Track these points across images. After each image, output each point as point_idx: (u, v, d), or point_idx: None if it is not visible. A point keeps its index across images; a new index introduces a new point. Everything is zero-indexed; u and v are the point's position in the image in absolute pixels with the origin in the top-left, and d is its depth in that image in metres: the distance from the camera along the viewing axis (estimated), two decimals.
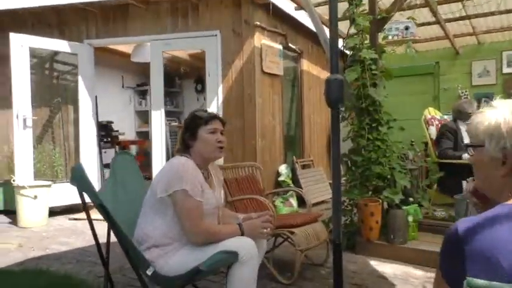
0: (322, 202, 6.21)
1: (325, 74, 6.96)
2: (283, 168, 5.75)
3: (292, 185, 5.70)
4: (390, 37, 3.78)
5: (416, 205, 3.63)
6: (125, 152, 2.50)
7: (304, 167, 6.32)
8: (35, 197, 4.78)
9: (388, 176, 3.68)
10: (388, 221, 3.52)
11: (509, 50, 6.10)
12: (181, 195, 1.96)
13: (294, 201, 5.60)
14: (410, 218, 3.55)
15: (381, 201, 3.57)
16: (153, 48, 5.48)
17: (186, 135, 2.16)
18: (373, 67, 3.65)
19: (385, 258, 3.49)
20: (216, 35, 5.17)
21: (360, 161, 3.66)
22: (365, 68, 3.60)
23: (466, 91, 6.43)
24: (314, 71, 6.63)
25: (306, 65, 6.37)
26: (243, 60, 5.11)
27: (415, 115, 4.99)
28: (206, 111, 2.23)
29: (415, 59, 5.60)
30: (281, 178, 5.67)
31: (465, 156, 4.18)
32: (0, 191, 5.41)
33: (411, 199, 3.72)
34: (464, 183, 3.20)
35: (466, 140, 4.37)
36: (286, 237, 3.09)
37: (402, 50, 5.20)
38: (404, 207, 3.57)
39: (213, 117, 2.18)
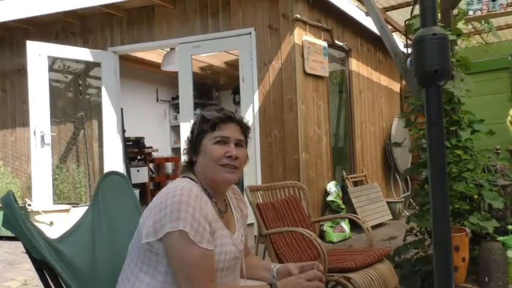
0: (380, 225, 5.29)
1: (378, 76, 6.09)
2: (331, 186, 4.91)
3: (342, 205, 4.85)
4: (471, 12, 2.90)
5: None
6: (114, 172, 1.81)
7: (356, 183, 5.45)
8: (51, 223, 4.27)
9: (475, 196, 2.77)
10: (480, 258, 2.61)
11: None
12: (177, 239, 1.22)
13: (345, 226, 4.75)
14: (510, 253, 2.62)
15: (468, 230, 2.66)
16: (182, 52, 4.90)
17: (189, 146, 1.44)
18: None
19: None
20: (250, 33, 4.51)
21: None
22: None
23: None
24: (365, 72, 5.78)
25: (355, 64, 5.54)
26: (282, 60, 4.39)
27: (490, 117, 4.01)
28: (222, 109, 1.45)
29: (488, 51, 4.63)
30: (330, 198, 4.83)
31: None
32: None
33: (510, 227, 2.78)
34: None
35: None
36: (340, 284, 2.27)
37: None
38: (500, 238, 2.65)
39: (225, 119, 1.40)
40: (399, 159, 6.18)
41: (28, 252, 1.15)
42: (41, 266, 1.14)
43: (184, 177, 1.41)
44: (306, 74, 4.45)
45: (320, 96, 4.77)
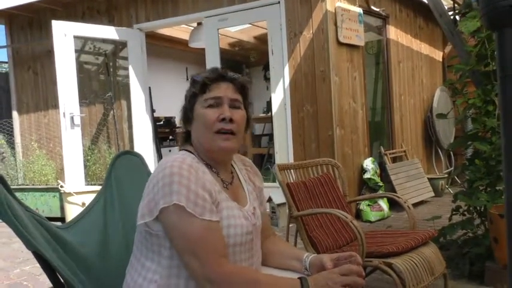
0: (421, 203, 5.00)
1: (418, 44, 5.66)
2: (368, 163, 4.64)
3: (380, 183, 4.58)
4: None
5: None
6: (129, 152, 1.66)
7: (395, 159, 5.15)
8: (83, 204, 4.26)
9: None
10: None
11: None
12: (174, 215, 1.07)
13: (384, 204, 4.50)
14: None
15: None
16: (207, 27, 4.70)
17: (183, 114, 1.27)
18: None
19: None
20: (278, 2, 4.24)
21: (488, 151, 2.47)
22: None
23: None
24: (404, 41, 5.37)
25: (393, 33, 5.15)
26: (313, 30, 4.11)
27: None
28: (214, 69, 1.27)
29: None
30: (367, 175, 4.57)
31: None
32: (57, 197, 5.01)
33: None
34: None
35: None
36: (380, 270, 2.07)
37: None
38: None
39: (214, 78, 1.23)
40: (441, 133, 5.79)
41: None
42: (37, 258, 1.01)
43: (180, 149, 1.26)
44: (339, 43, 4.15)
45: (355, 67, 4.46)
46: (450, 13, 2.86)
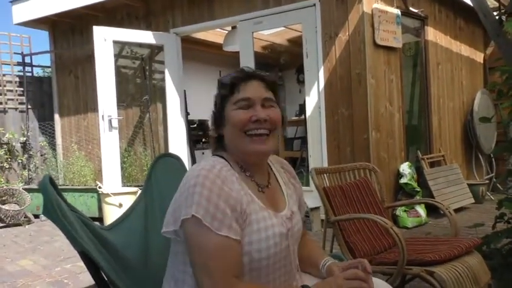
0: (461, 209, 4.82)
1: (458, 46, 5.49)
2: (405, 168, 4.52)
3: (418, 188, 4.46)
4: None
5: None
6: (168, 154, 1.69)
7: (432, 164, 4.99)
8: (120, 205, 4.37)
9: None
10: None
11: None
12: (192, 227, 1.05)
13: (421, 210, 4.37)
14: None
15: None
16: (242, 30, 4.73)
17: (214, 118, 1.23)
18: None
19: None
20: (314, 4, 4.22)
21: None
22: None
23: None
24: (443, 42, 5.21)
25: (432, 34, 5.00)
26: (349, 31, 4.05)
27: None
28: (242, 69, 1.22)
29: None
30: (403, 180, 4.46)
31: None
32: (95, 198, 5.16)
33: None
34: None
35: None
36: (421, 278, 2.00)
37: None
38: None
39: (243, 77, 1.18)
40: (482, 137, 5.58)
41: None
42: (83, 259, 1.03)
43: (214, 155, 1.22)
44: (376, 45, 4.08)
45: (392, 69, 4.36)
46: (495, 13, 2.73)
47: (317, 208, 4.07)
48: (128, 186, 4.91)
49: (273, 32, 6.49)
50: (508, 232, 2.68)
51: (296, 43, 6.55)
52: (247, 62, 4.67)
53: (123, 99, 5.34)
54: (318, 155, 4.34)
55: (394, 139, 4.44)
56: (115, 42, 4.87)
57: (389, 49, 4.27)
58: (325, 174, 2.47)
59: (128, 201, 4.42)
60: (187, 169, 1.65)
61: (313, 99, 4.31)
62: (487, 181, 5.64)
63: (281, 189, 1.29)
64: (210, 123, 1.27)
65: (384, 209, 2.57)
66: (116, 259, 1.18)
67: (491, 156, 5.81)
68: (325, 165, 4.22)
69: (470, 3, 5.18)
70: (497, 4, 4.62)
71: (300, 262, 1.32)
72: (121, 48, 5.50)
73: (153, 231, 1.46)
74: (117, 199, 4.39)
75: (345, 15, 4.05)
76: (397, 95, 4.46)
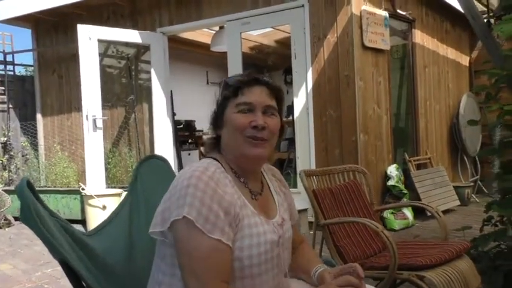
0: (447, 212, 4.84)
1: (444, 49, 5.53)
2: (392, 170, 4.53)
3: (405, 191, 4.47)
4: None
5: None
6: (154, 156, 1.62)
7: (419, 166, 5.02)
8: (104, 207, 4.27)
9: None
10: None
11: None
12: (182, 229, 1.01)
13: (408, 212, 4.38)
14: None
15: None
16: (230, 30, 4.68)
17: (213, 119, 1.21)
18: None
19: None
20: (303, 5, 4.18)
21: None
22: None
23: None
24: (430, 45, 5.24)
25: (419, 37, 5.03)
26: (338, 33, 4.04)
27: None
28: (249, 73, 1.20)
29: None
30: (391, 182, 4.47)
31: None
32: (78, 200, 5.03)
33: None
34: None
35: None
36: (411, 283, 1.97)
37: None
38: None
39: (248, 81, 1.16)
40: (468, 140, 5.63)
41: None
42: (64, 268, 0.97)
43: (206, 156, 1.18)
44: (364, 47, 4.07)
45: (380, 71, 4.37)
46: (483, 16, 2.74)
47: (304, 210, 4.03)
48: (112, 187, 4.80)
49: (260, 33, 6.46)
50: (496, 235, 2.68)
51: (284, 44, 6.52)
52: (235, 62, 4.62)
53: (108, 99, 5.24)
54: (305, 157, 4.31)
55: (381, 141, 4.44)
56: (100, 41, 4.76)
57: (377, 51, 4.27)
58: (314, 177, 2.43)
59: (112, 203, 4.32)
60: (174, 171, 1.61)
61: (301, 100, 4.29)
62: (472, 183, 5.69)
63: (273, 197, 1.26)
64: (208, 123, 1.23)
65: (374, 212, 2.54)
66: (98, 266, 1.12)
67: (476, 158, 5.86)
68: (313, 167, 4.19)
69: (457, 6, 5.24)
70: (485, 8, 4.66)
71: (296, 269, 1.29)
72: (106, 47, 5.39)
73: (138, 235, 1.40)
74: (101, 201, 4.29)
75: (334, 16, 4.03)
76: (384, 97, 4.46)
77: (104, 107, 4.81)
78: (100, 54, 4.90)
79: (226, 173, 1.12)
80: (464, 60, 5.96)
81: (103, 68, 5.18)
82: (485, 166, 5.85)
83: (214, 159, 1.15)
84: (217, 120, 1.18)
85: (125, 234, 1.38)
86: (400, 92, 5.10)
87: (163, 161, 1.63)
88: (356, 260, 2.20)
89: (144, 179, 1.53)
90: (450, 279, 1.90)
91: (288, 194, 1.34)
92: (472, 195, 5.44)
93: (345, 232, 2.30)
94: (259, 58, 7.62)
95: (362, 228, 2.37)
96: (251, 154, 1.13)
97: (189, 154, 6.71)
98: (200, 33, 6.45)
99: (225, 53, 4.80)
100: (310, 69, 4.19)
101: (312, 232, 2.50)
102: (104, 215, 4.26)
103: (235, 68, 4.59)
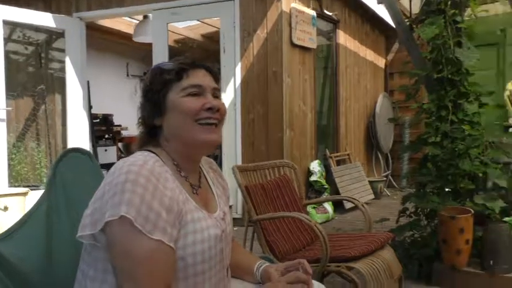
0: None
1: (364, 51, 5.82)
2: (315, 166, 4.68)
3: (326, 185, 4.63)
4: None
5: None
6: (77, 149, 1.45)
7: (339, 162, 5.23)
8: (5, 208, 3.83)
9: (480, 175, 2.57)
10: (486, 240, 2.42)
11: None
12: (119, 229, 0.90)
13: (329, 207, 4.55)
14: None
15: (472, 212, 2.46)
16: (156, 20, 4.47)
17: (147, 108, 1.09)
18: (458, 19, 2.53)
19: None
20: None
21: (441, 155, 2.54)
22: (446, 21, 2.48)
23: None
24: (352, 46, 5.49)
25: (342, 38, 5.24)
26: (267, 29, 4.04)
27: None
28: (187, 57, 1.13)
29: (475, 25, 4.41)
30: (313, 178, 4.60)
31: None
32: None
33: None
34: None
35: None
36: (341, 275, 2.02)
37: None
38: (506, 219, 2.47)
39: (191, 64, 1.08)
40: (382, 138, 6.01)
41: None
42: None
43: (141, 149, 1.08)
44: (293, 45, 4.13)
45: (306, 69, 4.47)
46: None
47: (229, 207, 3.99)
48: (15, 186, 4.34)
49: (186, 26, 6.28)
50: (411, 225, 2.87)
51: (211, 39, 6.42)
52: (161, 55, 4.43)
53: (13, 89, 4.71)
54: (231, 153, 4.27)
55: (306, 138, 4.55)
56: (6, 23, 4.26)
57: (304, 49, 4.36)
58: (245, 172, 2.40)
59: (16, 203, 3.90)
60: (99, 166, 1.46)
61: (229, 95, 4.23)
62: (385, 178, 6.09)
63: (211, 190, 1.20)
64: (138, 117, 1.11)
65: (302, 206, 2.58)
66: (11, 275, 0.96)
67: (389, 155, 6.29)
68: (239, 162, 4.17)
69: (376, 10, 5.56)
70: (409, 11, 4.97)
71: (234, 267, 1.22)
72: (11, 31, 4.84)
73: (58, 240, 1.23)
74: (2, 201, 3.85)
75: (264, 12, 4.03)
76: (310, 95, 4.58)
77: (7, 97, 4.32)
78: (4, 39, 4.39)
79: (166, 167, 1.03)
80: (381, 62, 6.35)
81: (6, 54, 4.65)
82: (396, 162, 6.29)
83: (151, 151, 1.06)
84: (157, 107, 1.07)
85: (42, 239, 1.20)
86: (324, 90, 5.28)
87: (86, 154, 1.46)
88: (287, 255, 2.20)
89: (64, 176, 1.36)
90: (377, 268, 1.98)
91: (226, 186, 1.28)
92: (384, 189, 5.82)
93: (275, 227, 2.29)
94: (184, 52, 7.42)
95: (292, 222, 2.38)
96: (205, 140, 1.05)
97: (106, 150, 6.31)
98: (121, 21, 6.10)
99: (148, 44, 4.57)
100: (239, 64, 4.15)
101: (236, 229, 2.46)
102: (5, 217, 3.84)
103: (161, 61, 4.36)
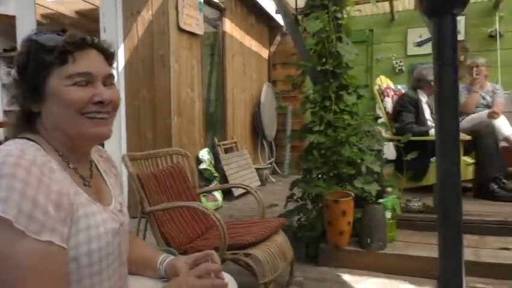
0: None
1: (249, 41, 5.92)
2: (204, 154, 4.65)
3: (215, 173, 4.65)
4: None
5: (395, 197, 2.82)
6: None
7: (227, 150, 5.28)
8: None
9: (358, 161, 2.81)
10: (364, 221, 2.66)
11: None
12: None
13: (218, 195, 4.57)
14: (388, 215, 2.73)
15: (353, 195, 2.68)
16: None
17: (22, 89, 0.91)
18: (339, 15, 2.70)
19: (360, 269, 2.63)
20: None
21: (325, 143, 2.70)
22: (329, 17, 2.63)
23: (401, 61, 5.91)
24: (237, 35, 5.53)
25: (229, 26, 5.24)
26: (153, 11, 3.84)
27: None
28: (65, 30, 0.92)
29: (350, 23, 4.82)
30: (203, 166, 4.57)
31: (434, 131, 3.51)
32: None
33: (389, 189, 2.90)
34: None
35: (427, 112, 3.71)
36: (238, 262, 2.03)
37: None
38: (380, 200, 2.74)
39: (79, 44, 0.90)
40: (266, 126, 6.22)
41: None
42: None
43: (18, 137, 0.90)
44: (180, 29, 3.99)
45: (194, 55, 4.37)
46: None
47: None
48: None
49: (57, 0, 5.63)
50: (299, 210, 3.02)
51: (86, 17, 5.84)
52: (27, 31, 3.87)
53: None
54: (115, 140, 3.97)
55: (194, 125, 4.48)
56: None
57: (192, 35, 4.25)
58: (136, 161, 2.24)
59: None
60: None
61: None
62: (269, 165, 6.34)
63: (104, 180, 1.07)
64: (14, 89, 0.92)
65: (197, 195, 2.52)
66: None
67: (273, 143, 6.55)
68: (124, 151, 3.92)
69: (261, 2, 5.68)
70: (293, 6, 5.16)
71: (131, 264, 1.12)
72: None
73: None
74: None
75: None
76: (198, 82, 4.50)
77: None
78: None
79: (49, 157, 0.88)
80: (265, 53, 6.53)
81: None
82: (279, 149, 6.58)
83: (29, 139, 0.89)
84: (34, 91, 0.89)
85: None
86: (211, 78, 5.24)
87: None
88: (182, 245, 2.13)
89: None
90: (272, 253, 2.03)
91: (118, 175, 1.16)
92: (269, 176, 6.05)
93: (169, 217, 2.20)
94: (54, 29, 6.67)
95: (186, 212, 2.32)
96: (95, 133, 0.92)
97: None
98: None
99: (11, 17, 3.97)
100: (122, 46, 3.87)
101: None
102: None
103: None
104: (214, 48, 5.27)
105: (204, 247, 2.07)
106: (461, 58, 5.20)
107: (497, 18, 5.35)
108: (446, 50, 0.71)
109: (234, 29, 5.39)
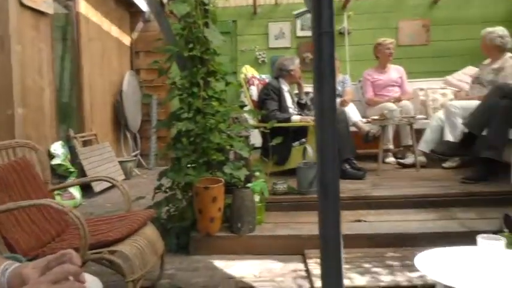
0: (114, 186, 4.88)
1: (108, 25, 5.48)
2: (57, 147, 4.17)
3: (72, 169, 4.21)
4: None
5: (263, 181, 2.90)
6: None
7: (85, 143, 4.83)
8: None
9: (227, 147, 2.81)
10: (234, 206, 2.67)
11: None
12: None
13: (76, 192, 4.16)
14: (257, 198, 2.80)
15: (223, 180, 2.67)
16: None
17: None
18: (206, 1, 2.64)
19: (232, 254, 2.65)
20: None
21: (194, 130, 2.63)
22: (196, 1, 2.56)
23: (263, 53, 6.14)
24: (95, 18, 5.06)
25: (84, 8, 4.74)
26: None
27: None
28: None
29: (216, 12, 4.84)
30: (56, 161, 4.09)
31: (295, 118, 3.72)
32: None
33: (257, 174, 2.97)
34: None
35: (289, 100, 3.92)
36: (104, 261, 1.83)
37: None
38: (249, 185, 2.80)
39: None
40: (130, 117, 5.87)
41: None
42: None
43: None
44: (22, 5, 3.45)
45: (42, 37, 3.84)
46: None
47: None
48: None
49: None
50: (168, 200, 2.91)
51: None
52: None
53: None
54: None
55: (43, 116, 3.97)
56: None
57: (38, 13, 3.72)
58: None
59: None
60: None
61: None
62: (134, 158, 6.01)
63: None
64: None
65: (49, 192, 2.21)
66: None
67: (137, 134, 6.22)
68: None
69: None
70: None
71: None
72: None
73: None
74: None
75: None
76: (47, 68, 3.98)
77: None
78: None
79: None
80: (126, 40, 6.12)
81: None
82: (144, 141, 6.28)
83: None
84: None
85: None
86: (64, 64, 4.70)
87: None
88: (32, 250, 1.84)
89: None
90: (141, 247, 1.89)
91: None
92: (134, 169, 5.74)
93: (14, 220, 1.88)
94: None
95: (36, 212, 2.01)
96: None
97: None
98: None
99: None
100: None
101: None
102: None
103: None
104: (66, 31, 4.73)
105: (60, 250, 1.80)
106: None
107: (345, 17, 5.93)
108: (324, 19, 0.70)
109: (90, 10, 4.90)
